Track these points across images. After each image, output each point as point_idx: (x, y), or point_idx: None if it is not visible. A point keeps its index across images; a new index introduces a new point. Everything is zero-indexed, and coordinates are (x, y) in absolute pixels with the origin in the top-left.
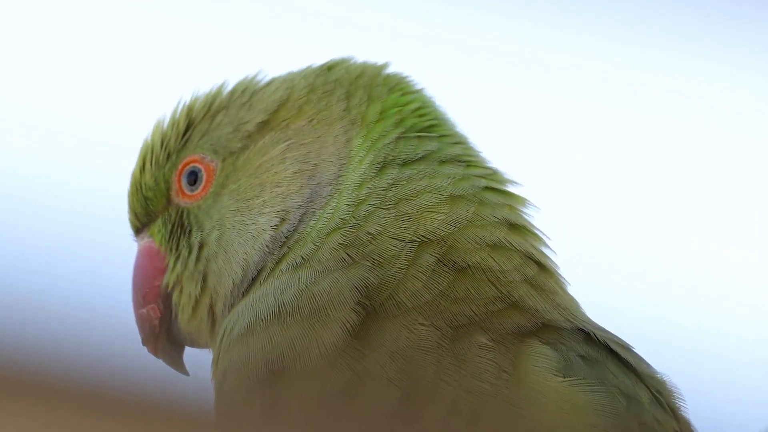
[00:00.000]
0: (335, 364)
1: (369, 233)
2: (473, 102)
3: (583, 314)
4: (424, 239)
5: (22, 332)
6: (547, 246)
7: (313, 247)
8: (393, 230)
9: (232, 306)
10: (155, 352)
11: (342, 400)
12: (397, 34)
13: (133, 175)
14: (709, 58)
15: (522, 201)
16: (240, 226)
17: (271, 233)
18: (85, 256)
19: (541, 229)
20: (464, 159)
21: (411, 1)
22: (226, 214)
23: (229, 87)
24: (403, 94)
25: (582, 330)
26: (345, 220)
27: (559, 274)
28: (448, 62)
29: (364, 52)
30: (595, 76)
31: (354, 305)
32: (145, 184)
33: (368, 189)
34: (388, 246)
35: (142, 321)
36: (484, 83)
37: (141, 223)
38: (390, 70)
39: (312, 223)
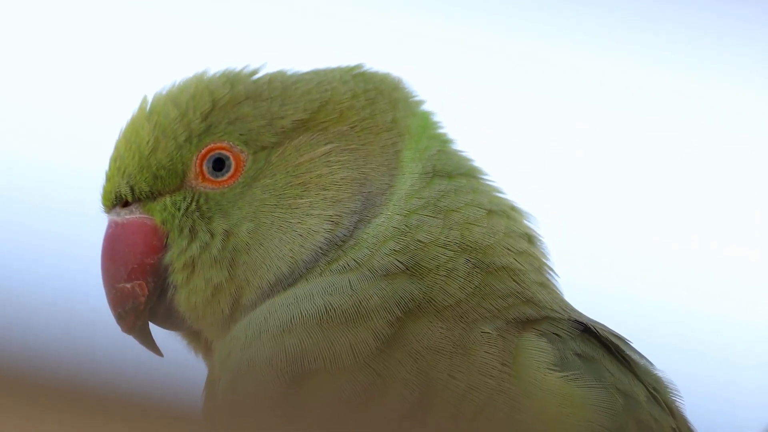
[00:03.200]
0: (362, 366)
1: (419, 241)
2: (473, 101)
3: (581, 314)
4: (466, 248)
5: (21, 332)
6: (549, 258)
7: (368, 252)
8: (441, 239)
9: (267, 299)
10: (131, 329)
11: (365, 401)
12: (396, 34)
13: (136, 146)
14: (709, 58)
15: (531, 217)
16: (281, 223)
17: (326, 235)
18: (84, 256)
19: (543, 235)
20: (489, 177)
21: (411, 1)
22: (262, 208)
23: (248, 73)
24: (428, 110)
25: (580, 323)
26: (398, 228)
27: (558, 283)
28: (447, 62)
29: (363, 52)
30: (594, 76)
31: (396, 316)
32: (158, 162)
33: (418, 199)
34: (435, 254)
35: (122, 296)
36: (483, 83)
37: (134, 198)
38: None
39: (367, 229)
